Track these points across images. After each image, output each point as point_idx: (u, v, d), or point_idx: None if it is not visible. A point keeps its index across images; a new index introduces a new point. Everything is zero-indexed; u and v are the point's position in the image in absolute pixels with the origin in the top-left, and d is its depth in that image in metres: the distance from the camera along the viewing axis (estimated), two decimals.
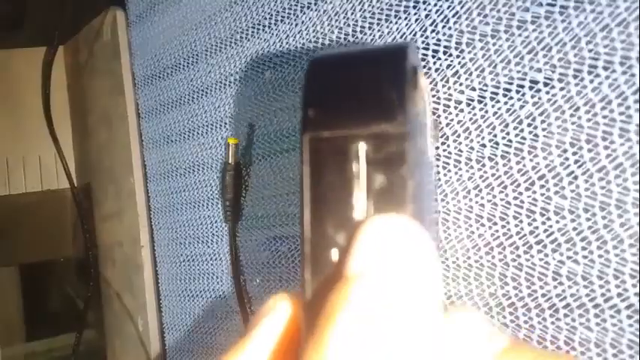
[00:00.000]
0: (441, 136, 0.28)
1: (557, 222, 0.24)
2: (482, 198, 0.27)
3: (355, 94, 0.14)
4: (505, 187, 0.26)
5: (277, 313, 0.15)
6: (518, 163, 0.25)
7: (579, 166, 0.23)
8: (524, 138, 0.25)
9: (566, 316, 0.24)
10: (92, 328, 0.65)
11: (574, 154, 0.24)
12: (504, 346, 0.15)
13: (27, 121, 0.60)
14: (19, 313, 0.80)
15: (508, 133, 0.26)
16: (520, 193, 0.25)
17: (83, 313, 0.62)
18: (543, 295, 0.25)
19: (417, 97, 0.15)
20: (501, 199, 0.26)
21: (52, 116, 0.59)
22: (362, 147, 0.13)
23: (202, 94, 0.45)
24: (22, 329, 0.80)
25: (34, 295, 0.81)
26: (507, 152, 0.26)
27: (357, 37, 0.32)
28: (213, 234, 0.44)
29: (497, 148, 0.26)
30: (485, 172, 0.27)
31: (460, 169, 0.28)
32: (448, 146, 0.28)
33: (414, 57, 0.15)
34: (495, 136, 0.26)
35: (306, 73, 0.15)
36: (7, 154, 0.59)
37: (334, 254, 0.13)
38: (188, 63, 0.46)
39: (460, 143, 0.27)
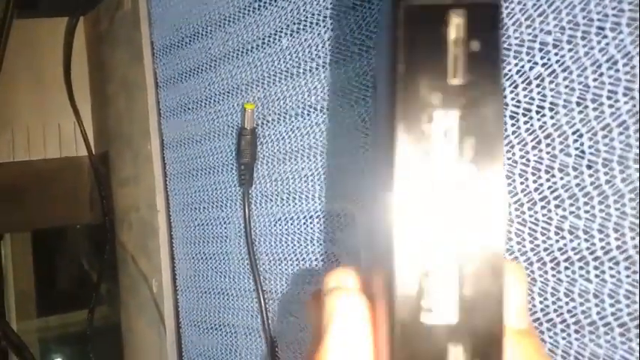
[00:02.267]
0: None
1: (562, 178, 0.25)
2: None
3: None
4: (512, 147, 0.27)
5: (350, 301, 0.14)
6: (525, 123, 0.26)
7: (584, 124, 0.24)
8: (532, 98, 0.26)
9: (566, 269, 0.25)
10: (105, 301, 0.66)
11: (580, 112, 0.24)
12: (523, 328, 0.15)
13: (48, 90, 0.62)
14: (32, 286, 0.82)
15: (517, 94, 0.27)
16: (527, 152, 0.26)
17: (97, 282, 0.64)
18: (545, 250, 0.26)
19: None
20: (508, 158, 0.27)
21: (72, 85, 0.61)
22: (455, 16, 0.14)
23: (219, 62, 0.46)
24: (34, 301, 0.82)
25: (47, 268, 0.83)
26: (516, 112, 0.27)
27: (372, 2, 0.33)
28: (227, 198, 0.45)
29: (506, 109, 0.27)
30: None
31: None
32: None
33: None
34: (505, 97, 0.27)
35: None
36: (28, 121, 0.61)
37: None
38: (206, 32, 0.47)
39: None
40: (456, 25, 0.14)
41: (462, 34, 0.14)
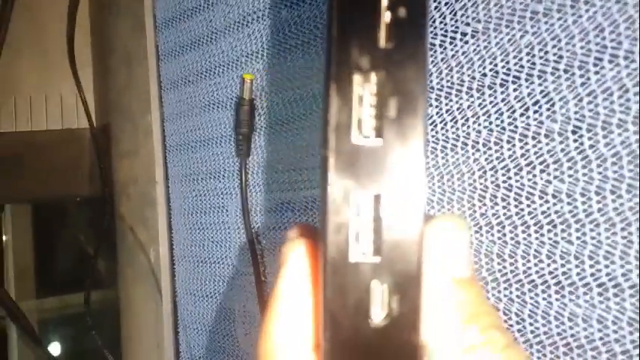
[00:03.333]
0: (446, 68, 0.30)
1: (547, 144, 0.26)
2: (479, 125, 0.29)
3: None
4: (501, 114, 0.28)
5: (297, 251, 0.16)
6: (515, 90, 0.27)
7: (571, 91, 0.25)
8: (522, 67, 0.27)
9: (549, 231, 0.26)
10: (103, 278, 0.67)
11: (567, 79, 0.25)
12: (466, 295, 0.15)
13: (50, 61, 0.62)
14: (31, 264, 0.83)
15: (508, 62, 0.27)
16: (515, 119, 0.27)
17: (95, 254, 0.65)
18: (529, 213, 0.27)
19: None
20: (497, 125, 0.28)
21: (74, 57, 0.61)
22: None
23: (220, 35, 0.46)
24: (34, 283, 0.83)
25: (47, 244, 0.84)
26: (506, 80, 0.27)
27: None
28: (225, 169, 0.46)
29: (496, 77, 0.28)
30: (484, 100, 0.28)
31: (461, 97, 0.29)
32: (451, 77, 0.30)
33: None
34: (496, 65, 0.28)
35: None
36: (31, 91, 0.62)
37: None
38: (208, 4, 0.47)
39: (463, 73, 0.29)
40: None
41: (390, 1, 0.14)
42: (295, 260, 0.16)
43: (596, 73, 0.24)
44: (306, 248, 0.16)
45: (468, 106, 0.29)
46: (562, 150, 0.25)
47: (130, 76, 0.56)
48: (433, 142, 0.31)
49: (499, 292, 0.28)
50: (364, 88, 0.15)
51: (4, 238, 0.84)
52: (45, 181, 0.64)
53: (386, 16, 0.15)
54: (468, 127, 0.29)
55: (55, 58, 0.62)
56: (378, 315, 0.14)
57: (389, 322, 0.14)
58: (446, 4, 0.30)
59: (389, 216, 0.14)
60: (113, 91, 0.59)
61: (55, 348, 0.83)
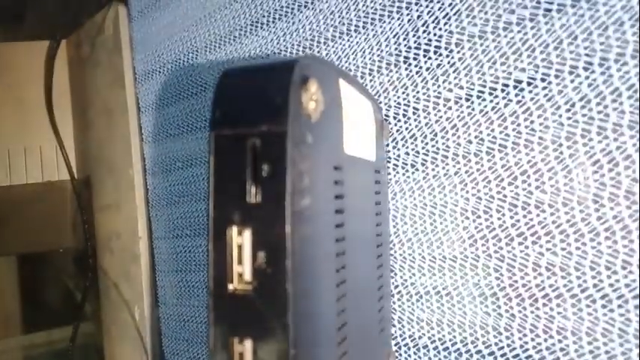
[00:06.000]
0: (430, 133, 0.29)
1: (538, 215, 0.25)
2: (467, 192, 0.28)
3: (251, 99, 0.17)
4: (489, 182, 0.27)
5: None
6: (501, 159, 0.26)
7: (559, 162, 0.24)
8: (507, 135, 0.26)
9: (544, 305, 0.25)
10: (90, 320, 0.66)
11: (554, 150, 0.25)
12: None
13: (29, 113, 0.61)
14: (16, 305, 0.81)
15: (493, 130, 0.27)
16: (503, 188, 0.26)
17: (81, 304, 0.63)
18: (524, 285, 0.26)
19: (305, 101, 0.17)
20: (485, 193, 0.27)
21: (53, 109, 0.60)
22: (253, 142, 0.16)
23: (201, 89, 0.46)
24: (20, 322, 0.81)
25: (32, 288, 0.82)
26: (492, 148, 0.27)
27: (351, 36, 0.33)
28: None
29: (482, 144, 0.27)
30: (471, 167, 0.28)
31: (447, 164, 0.29)
32: (436, 142, 0.29)
33: (308, 69, 0.18)
34: (481, 132, 0.27)
35: (217, 83, 0.18)
36: (9, 144, 0.60)
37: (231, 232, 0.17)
38: (188, 59, 0.47)
39: (448, 140, 0.29)
40: (251, 151, 0.16)
41: (256, 159, 0.16)
42: None
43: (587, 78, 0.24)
44: None
45: (455, 173, 0.28)
46: (553, 222, 0.25)
47: (110, 129, 0.55)
48: (421, 206, 0.30)
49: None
50: (238, 239, 0.16)
51: None
52: (26, 235, 0.63)
53: (252, 175, 0.16)
54: (456, 193, 0.28)
55: (34, 110, 0.61)
56: None
57: None
58: (427, 69, 0.29)
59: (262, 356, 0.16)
60: (94, 143, 0.58)
61: None
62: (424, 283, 0.30)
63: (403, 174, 0.31)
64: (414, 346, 0.30)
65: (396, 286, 0.31)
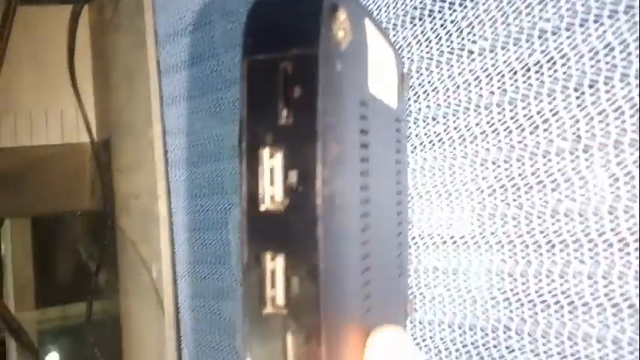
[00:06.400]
0: (453, 85, 0.30)
1: (558, 162, 0.26)
2: (488, 142, 0.28)
3: (283, 25, 0.17)
4: (510, 132, 0.27)
5: None
6: (524, 108, 0.27)
7: (581, 110, 0.25)
8: (530, 85, 0.27)
9: (561, 251, 0.26)
10: (105, 292, 0.67)
11: (577, 98, 0.25)
12: None
13: (51, 76, 0.62)
14: (31, 276, 0.83)
15: (516, 81, 0.27)
16: (524, 137, 0.27)
17: (96, 269, 0.65)
18: (541, 232, 0.27)
19: (334, 28, 0.18)
20: (506, 143, 0.28)
21: (75, 72, 0.61)
22: (284, 66, 0.17)
23: (223, 51, 0.46)
24: (34, 294, 0.82)
25: (47, 257, 0.83)
26: (515, 98, 0.27)
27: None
28: (228, 185, 0.46)
29: (505, 95, 0.28)
30: (493, 117, 0.28)
31: (469, 115, 0.29)
32: (458, 94, 0.30)
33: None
34: (504, 83, 0.28)
35: (249, 11, 0.18)
36: (31, 107, 0.61)
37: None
38: (209, 21, 0.47)
39: (470, 91, 0.29)
40: (283, 74, 0.17)
41: (287, 82, 0.17)
42: None
43: (607, 92, 0.24)
44: None
45: (476, 124, 0.29)
46: (573, 169, 0.25)
47: (131, 92, 0.56)
48: (441, 159, 0.30)
49: (511, 311, 0.28)
50: (270, 161, 0.17)
51: (2, 251, 0.83)
52: (45, 196, 0.64)
53: (284, 98, 0.17)
54: (477, 144, 0.29)
55: (56, 73, 0.61)
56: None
57: None
58: (452, 22, 0.30)
59: (294, 274, 0.16)
60: (114, 106, 0.59)
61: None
62: (441, 234, 0.30)
63: (424, 127, 0.31)
64: (429, 296, 0.31)
65: (413, 237, 0.32)
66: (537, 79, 0.26)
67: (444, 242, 0.30)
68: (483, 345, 0.29)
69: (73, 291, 0.79)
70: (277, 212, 0.17)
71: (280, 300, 0.17)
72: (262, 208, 0.17)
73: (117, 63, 0.58)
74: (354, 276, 0.20)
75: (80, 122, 0.61)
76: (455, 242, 0.30)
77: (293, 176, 0.17)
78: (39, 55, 0.62)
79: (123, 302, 0.60)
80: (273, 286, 0.17)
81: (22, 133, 0.61)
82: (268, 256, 0.17)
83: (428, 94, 0.31)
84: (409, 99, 0.32)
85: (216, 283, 0.47)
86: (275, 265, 0.17)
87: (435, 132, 0.31)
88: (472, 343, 0.29)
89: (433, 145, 0.31)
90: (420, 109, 0.31)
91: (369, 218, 0.22)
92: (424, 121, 0.31)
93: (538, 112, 0.26)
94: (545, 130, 0.26)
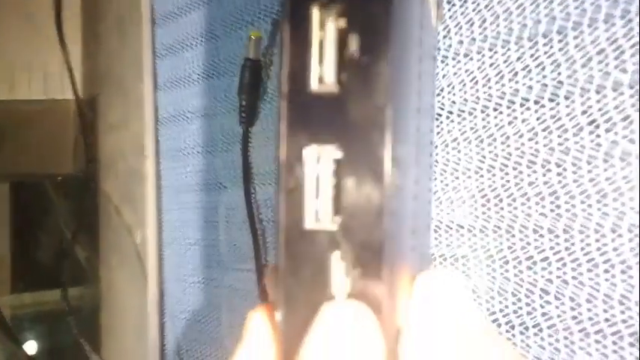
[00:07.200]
0: (491, 15, 0.26)
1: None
2: (530, 79, 0.25)
3: None
4: (558, 65, 0.24)
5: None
6: (575, 38, 0.23)
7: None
8: (585, 10, 0.23)
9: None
10: (83, 272, 0.62)
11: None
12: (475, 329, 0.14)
13: (36, 28, 0.57)
14: (7, 254, 0.78)
15: (562, 10, 0.23)
16: (575, 71, 0.23)
17: (74, 234, 0.60)
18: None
19: None
20: (552, 79, 0.24)
21: (62, 24, 0.57)
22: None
23: None
24: (10, 277, 0.77)
25: (25, 230, 0.78)
26: (564, 27, 0.24)
27: None
28: (223, 142, 0.42)
29: (553, 24, 0.24)
30: (538, 50, 0.24)
31: (509, 49, 0.25)
32: (497, 25, 0.26)
33: None
34: (552, 9, 0.24)
35: None
36: (15, 58, 0.57)
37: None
38: None
39: (511, 22, 0.25)
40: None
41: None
42: (255, 328, 0.15)
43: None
44: (267, 315, 0.15)
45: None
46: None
47: (121, 43, 0.52)
48: (472, 101, 0.27)
49: (550, 272, 0.24)
50: (323, 26, 0.13)
51: None
52: (25, 156, 0.59)
53: None
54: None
55: (42, 25, 0.57)
56: (339, 291, 0.13)
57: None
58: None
59: (348, 176, 0.13)
60: (103, 59, 0.55)
61: (31, 345, 0.78)
62: (469, 187, 0.27)
63: (454, 65, 0.27)
64: (450, 257, 0.27)
65: (435, 192, 0.28)
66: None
67: (472, 196, 0.27)
68: (514, 312, 0.25)
69: (50, 270, 0.74)
70: (329, 93, 0.13)
71: (328, 212, 0.13)
72: (310, 88, 0.13)
73: (107, 12, 0.54)
74: (409, 192, 0.16)
75: (65, 78, 0.57)
76: (473, 197, 0.26)
77: (354, 41, 0.13)
78: (25, 6, 0.58)
79: (103, 273, 0.55)
80: (317, 196, 0.13)
81: (2, 86, 0.56)
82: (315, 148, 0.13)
83: (460, 28, 0.27)
84: (438, 33, 0.28)
85: (207, 250, 0.43)
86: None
87: (466, 70, 0.27)
88: (501, 310, 0.25)
89: (464, 85, 0.27)
90: (450, 45, 0.27)
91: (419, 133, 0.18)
92: (454, 59, 0.27)
93: (592, 42, 0.23)
94: (600, 61, 0.22)
